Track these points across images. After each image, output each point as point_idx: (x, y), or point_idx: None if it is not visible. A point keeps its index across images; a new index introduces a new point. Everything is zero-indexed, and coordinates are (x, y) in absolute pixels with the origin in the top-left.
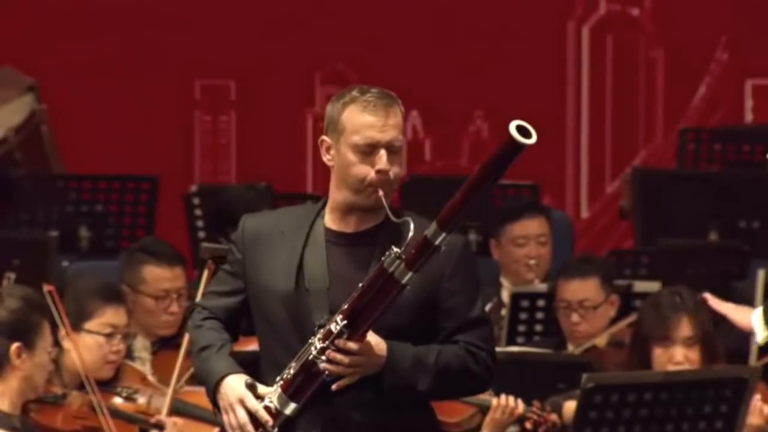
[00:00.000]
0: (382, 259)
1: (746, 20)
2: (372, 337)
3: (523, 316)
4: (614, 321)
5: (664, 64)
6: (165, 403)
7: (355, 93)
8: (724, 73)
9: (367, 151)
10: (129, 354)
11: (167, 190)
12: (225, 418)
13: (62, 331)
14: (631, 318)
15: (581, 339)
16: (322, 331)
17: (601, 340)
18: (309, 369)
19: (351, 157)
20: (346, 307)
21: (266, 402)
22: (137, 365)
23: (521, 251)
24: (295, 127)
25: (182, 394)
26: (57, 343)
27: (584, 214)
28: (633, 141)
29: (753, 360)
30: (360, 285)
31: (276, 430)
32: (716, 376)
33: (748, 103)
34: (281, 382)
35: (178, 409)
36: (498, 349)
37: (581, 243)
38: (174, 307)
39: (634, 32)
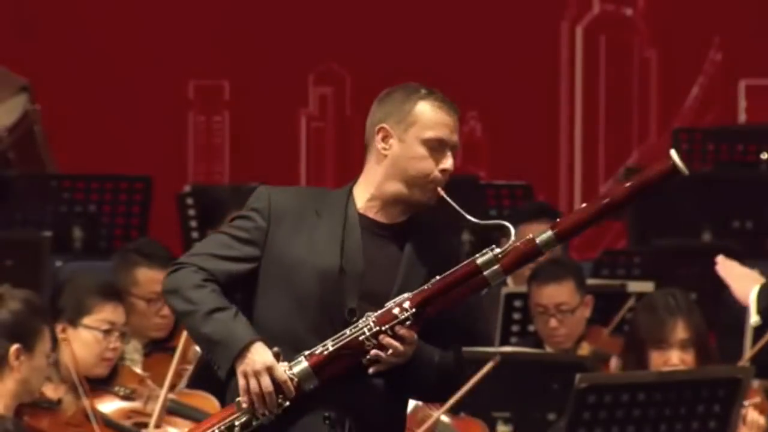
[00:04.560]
0: (476, 255)
1: (739, 21)
2: None
3: (516, 316)
4: (608, 319)
5: (657, 64)
6: (157, 404)
7: (424, 91)
8: (717, 74)
9: (437, 148)
10: (120, 357)
11: (161, 190)
12: (243, 382)
13: (59, 326)
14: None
15: (560, 343)
16: (374, 314)
17: (583, 350)
18: (353, 350)
19: (420, 150)
20: (413, 295)
21: (289, 374)
22: (127, 363)
23: None
24: (289, 127)
25: (179, 395)
26: (55, 342)
27: None
28: (626, 141)
29: (748, 344)
30: (440, 276)
31: (288, 403)
32: (709, 376)
33: (742, 103)
34: (308, 356)
35: (174, 411)
36: (491, 349)
37: (575, 243)
38: (166, 310)
39: (627, 32)
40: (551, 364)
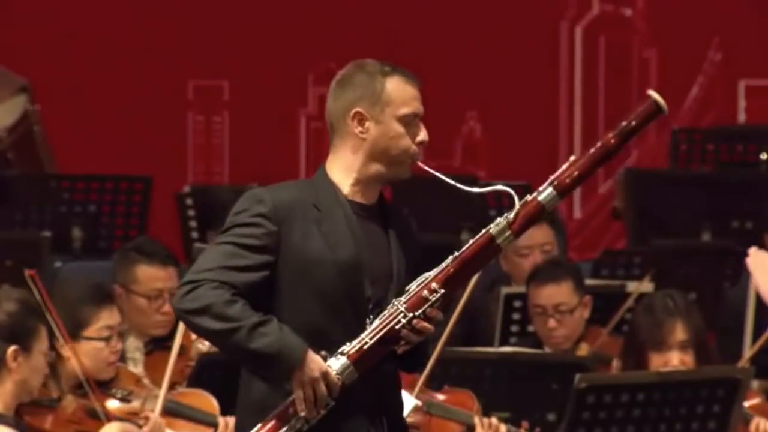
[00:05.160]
0: (489, 227)
1: (739, 21)
2: None
3: (515, 316)
4: (607, 319)
5: (656, 64)
6: (158, 403)
7: (387, 67)
8: (717, 74)
9: (411, 122)
10: (122, 355)
11: (160, 190)
12: (300, 392)
13: (60, 341)
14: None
15: (559, 344)
16: (404, 300)
17: (582, 351)
18: (390, 339)
19: (397, 128)
20: (438, 275)
21: (335, 374)
22: (130, 367)
23: (526, 262)
24: (288, 127)
25: (177, 396)
26: (53, 349)
27: (577, 214)
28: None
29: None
30: (458, 252)
31: (333, 403)
32: (709, 376)
33: (741, 103)
34: (348, 353)
35: (172, 411)
36: (491, 349)
37: (574, 243)
38: (167, 307)
39: (627, 32)
40: (551, 365)
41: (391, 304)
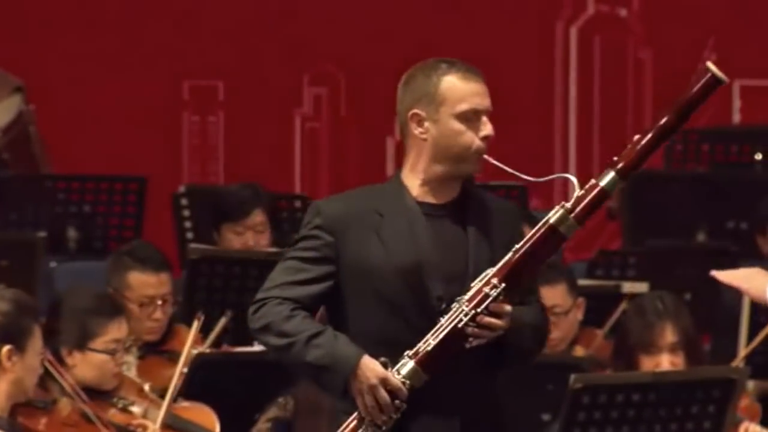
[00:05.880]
0: (548, 215)
1: (734, 21)
2: None
3: None
4: (602, 320)
5: (652, 65)
6: (159, 416)
7: (444, 65)
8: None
9: (472, 118)
10: None
11: (155, 190)
12: (361, 400)
13: (65, 350)
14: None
15: (554, 346)
16: (467, 297)
17: (577, 353)
18: (455, 338)
19: (457, 125)
20: (500, 269)
21: (401, 378)
22: (123, 371)
23: None
24: (283, 127)
25: (176, 410)
26: (58, 356)
27: None
28: (621, 141)
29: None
30: (519, 246)
31: (405, 406)
32: (704, 376)
33: (736, 103)
34: (413, 356)
35: (172, 424)
36: None
37: (569, 243)
38: (158, 314)
39: (622, 33)
40: (546, 365)
41: (456, 303)
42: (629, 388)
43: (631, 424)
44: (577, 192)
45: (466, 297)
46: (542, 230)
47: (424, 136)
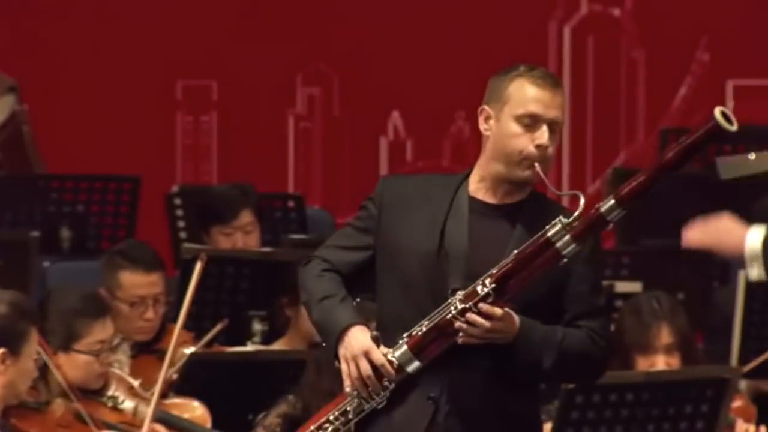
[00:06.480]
0: (546, 228)
1: (727, 21)
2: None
3: None
4: None
5: (645, 65)
6: (148, 412)
7: (523, 68)
8: (705, 74)
9: (530, 124)
10: None
11: (149, 190)
12: (345, 367)
13: (49, 350)
14: None
15: None
16: (463, 292)
17: None
18: (443, 329)
19: (514, 128)
20: (496, 271)
21: (389, 357)
22: (116, 370)
23: None
24: (277, 127)
25: (166, 406)
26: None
27: None
28: (614, 141)
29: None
30: (515, 251)
31: (393, 386)
32: (697, 376)
33: (729, 103)
34: (407, 339)
35: (162, 420)
36: None
37: None
38: (149, 314)
39: (615, 32)
40: None
41: (454, 296)
42: (622, 387)
43: (625, 423)
44: (579, 210)
45: (462, 292)
46: (538, 240)
47: (487, 132)
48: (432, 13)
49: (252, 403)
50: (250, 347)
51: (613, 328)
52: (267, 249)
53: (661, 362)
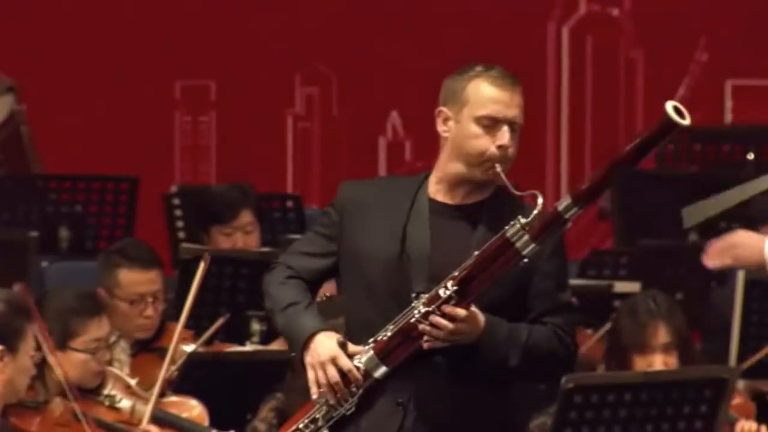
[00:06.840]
0: (505, 228)
1: (726, 21)
2: (472, 307)
3: None
4: (592, 319)
5: (643, 65)
6: (147, 411)
7: (479, 68)
8: (703, 74)
9: (491, 125)
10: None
11: (147, 190)
12: (312, 374)
13: (45, 347)
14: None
15: None
16: (426, 295)
17: None
18: (408, 333)
19: (474, 129)
20: (457, 273)
21: (356, 362)
22: (116, 369)
23: None
24: (275, 127)
25: (164, 404)
26: (39, 349)
27: None
28: (613, 141)
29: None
30: (476, 253)
31: (361, 392)
32: (696, 376)
33: (728, 103)
34: (373, 344)
35: (159, 419)
36: None
37: None
38: (149, 311)
39: (614, 32)
40: None
41: (417, 300)
42: (621, 387)
43: (623, 423)
44: (536, 210)
45: (426, 295)
46: (497, 240)
47: (446, 134)
48: (430, 13)
49: (250, 402)
50: (248, 347)
51: (610, 327)
52: (266, 249)
53: (658, 362)
